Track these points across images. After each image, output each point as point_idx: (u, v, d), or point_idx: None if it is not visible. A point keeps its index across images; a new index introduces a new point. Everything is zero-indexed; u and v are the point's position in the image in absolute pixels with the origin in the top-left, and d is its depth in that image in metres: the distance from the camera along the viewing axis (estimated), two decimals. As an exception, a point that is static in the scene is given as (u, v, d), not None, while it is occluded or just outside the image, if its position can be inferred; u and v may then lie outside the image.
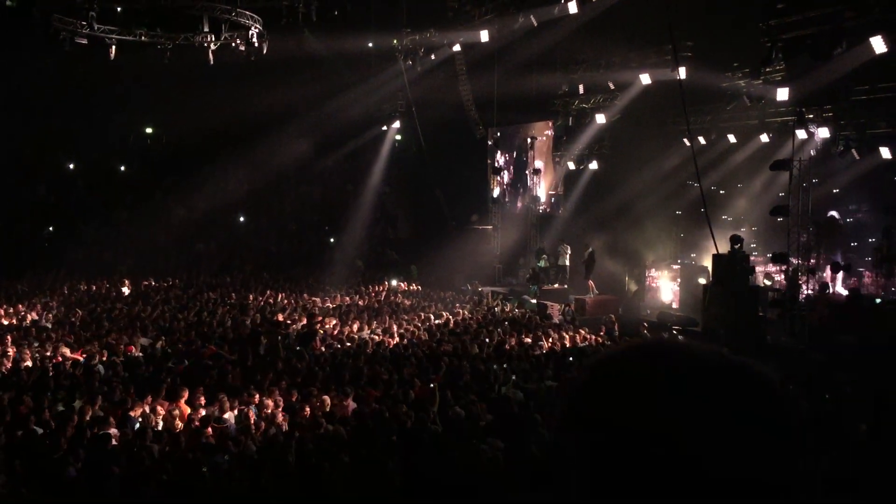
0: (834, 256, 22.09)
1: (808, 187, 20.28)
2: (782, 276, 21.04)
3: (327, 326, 18.50)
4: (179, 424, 10.31)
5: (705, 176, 18.63)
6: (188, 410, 10.92)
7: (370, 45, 28.40)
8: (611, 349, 1.13)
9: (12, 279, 23.53)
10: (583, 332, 18.48)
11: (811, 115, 19.91)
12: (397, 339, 17.26)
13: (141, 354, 15.16)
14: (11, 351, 14.56)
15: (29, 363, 13.90)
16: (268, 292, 23.72)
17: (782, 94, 19.43)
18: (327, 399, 11.38)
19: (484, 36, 24.02)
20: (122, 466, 8.50)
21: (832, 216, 23.07)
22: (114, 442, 9.32)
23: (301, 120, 31.39)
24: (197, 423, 10.11)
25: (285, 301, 22.40)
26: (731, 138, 22.93)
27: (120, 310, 20.02)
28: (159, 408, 10.75)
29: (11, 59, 25.24)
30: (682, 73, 20.08)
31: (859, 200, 23.64)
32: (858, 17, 16.23)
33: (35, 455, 8.88)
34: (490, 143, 31.79)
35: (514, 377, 13.27)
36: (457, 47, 26.42)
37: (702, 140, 22.71)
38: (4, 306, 19.79)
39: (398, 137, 34.30)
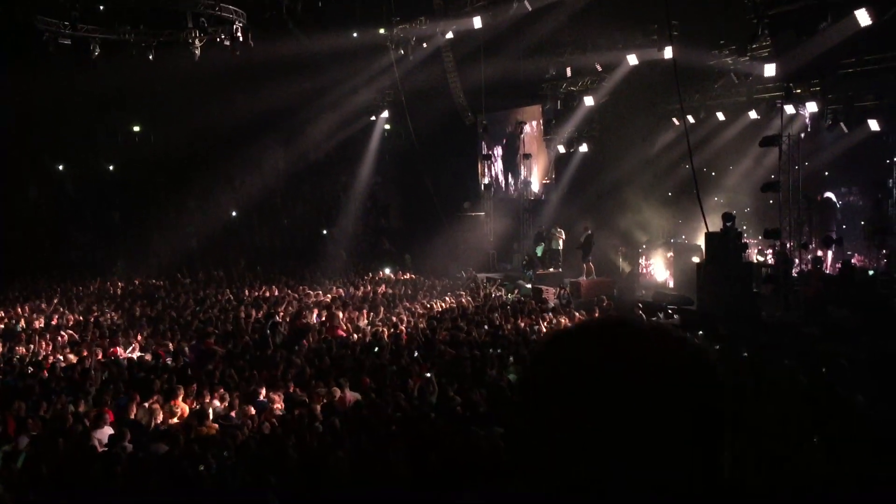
0: (829, 234, 22.08)
1: (798, 162, 20.29)
2: (771, 252, 21.10)
3: (323, 318, 18.51)
4: (177, 421, 10.32)
5: (695, 154, 18.63)
6: (186, 408, 10.94)
7: (354, 34, 28.24)
8: (562, 328, 1.28)
9: (4, 284, 23.47)
10: (578, 315, 18.51)
11: (799, 90, 19.92)
12: (394, 328, 17.25)
13: (138, 354, 15.15)
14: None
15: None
16: (262, 287, 23.74)
17: (769, 70, 19.41)
18: (326, 391, 11.39)
19: (477, 22, 23.90)
20: (122, 466, 8.50)
21: (828, 197, 23.03)
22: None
23: (290, 114, 31.22)
24: (195, 421, 10.12)
25: (280, 295, 22.39)
26: (720, 116, 22.94)
27: (119, 309, 20.03)
28: (157, 406, 10.75)
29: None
30: (669, 52, 20.07)
31: (850, 182, 23.58)
32: (843, -10, 16.21)
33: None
34: (480, 129, 31.73)
35: (511, 359, 13.33)
36: (449, 34, 26.26)
37: (690, 119, 22.70)
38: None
39: (387, 127, 34.20)
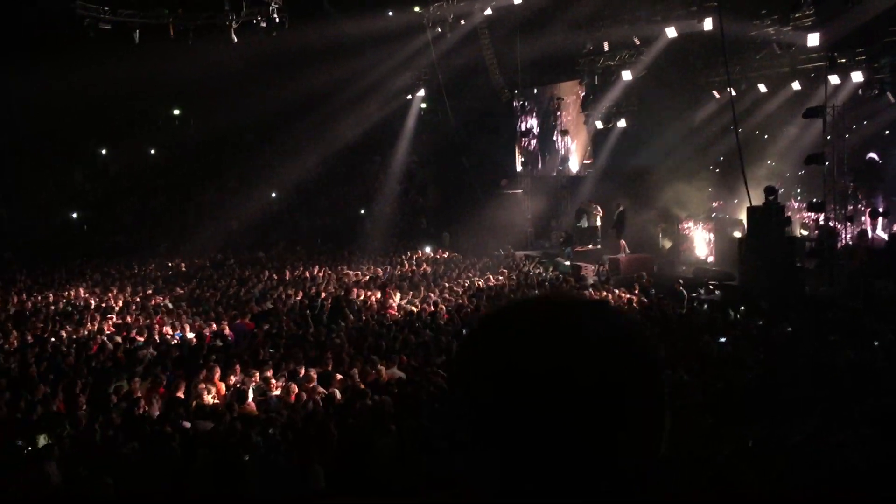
0: (874, 200, 21.54)
1: (842, 133, 19.80)
2: (813, 224, 20.72)
3: (362, 297, 18.66)
4: (219, 400, 10.52)
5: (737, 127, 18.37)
6: (223, 387, 11.14)
7: (390, 13, 28.18)
8: (496, 306, 1.23)
9: (51, 267, 24.06)
10: (617, 291, 18.42)
11: (843, 60, 19.43)
12: (434, 307, 17.30)
13: (183, 334, 15.42)
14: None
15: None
16: (302, 267, 23.97)
17: (813, 39, 18.91)
18: (367, 370, 11.51)
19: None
20: (175, 443, 8.70)
21: (871, 157, 22.40)
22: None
23: (327, 95, 31.24)
24: (237, 399, 10.30)
25: (320, 275, 22.59)
26: (762, 87, 22.48)
27: (163, 291, 20.43)
28: (203, 384, 10.95)
29: (39, 49, 25.48)
30: (709, 23, 19.74)
31: None
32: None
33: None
34: (516, 105, 31.53)
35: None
36: (488, 11, 26.07)
37: (732, 91, 22.31)
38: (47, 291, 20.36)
39: (423, 106, 34.12)
